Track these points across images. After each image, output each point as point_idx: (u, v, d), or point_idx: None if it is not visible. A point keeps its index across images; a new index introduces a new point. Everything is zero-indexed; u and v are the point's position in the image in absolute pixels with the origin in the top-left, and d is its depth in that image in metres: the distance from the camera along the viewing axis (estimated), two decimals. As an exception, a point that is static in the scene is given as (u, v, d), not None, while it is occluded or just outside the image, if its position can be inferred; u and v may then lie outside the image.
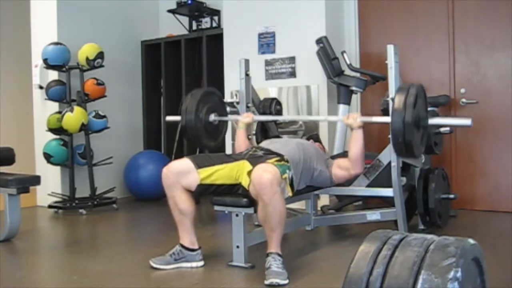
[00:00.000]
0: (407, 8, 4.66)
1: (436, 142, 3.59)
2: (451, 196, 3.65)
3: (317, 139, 3.61)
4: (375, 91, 4.42)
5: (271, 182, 2.48)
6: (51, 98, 4.83)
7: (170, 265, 2.78)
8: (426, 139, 2.86)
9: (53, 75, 4.94)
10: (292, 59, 4.70)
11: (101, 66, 4.86)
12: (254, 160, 2.79)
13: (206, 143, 3.32)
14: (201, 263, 2.83)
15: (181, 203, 2.76)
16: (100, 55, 4.81)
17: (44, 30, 5.10)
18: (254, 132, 3.90)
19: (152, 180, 4.77)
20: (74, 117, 4.57)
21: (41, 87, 5.02)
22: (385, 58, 3.23)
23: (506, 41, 4.23)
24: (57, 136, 4.82)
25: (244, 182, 2.70)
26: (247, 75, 3.67)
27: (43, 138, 4.88)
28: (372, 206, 4.01)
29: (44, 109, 5.01)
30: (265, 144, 3.12)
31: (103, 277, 2.73)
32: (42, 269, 3.13)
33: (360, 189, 3.39)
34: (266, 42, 4.83)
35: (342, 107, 4.17)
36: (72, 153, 4.80)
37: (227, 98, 4.72)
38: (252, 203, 2.67)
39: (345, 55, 4.12)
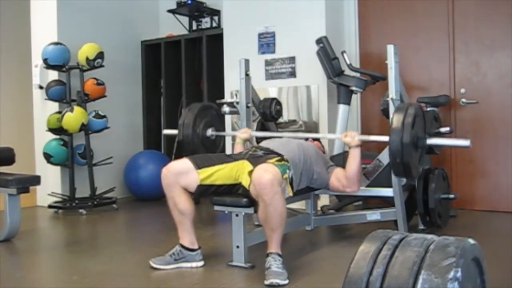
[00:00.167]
0: (407, 8, 4.66)
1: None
2: (451, 196, 3.66)
3: (315, 138, 3.62)
4: (375, 91, 4.42)
5: (271, 183, 2.48)
6: (51, 98, 4.83)
7: (170, 265, 2.78)
8: (424, 159, 2.86)
9: (53, 75, 4.94)
10: (292, 59, 4.70)
11: (101, 66, 4.86)
12: (254, 160, 2.79)
13: None
14: (201, 263, 2.83)
15: (180, 204, 2.76)
16: (100, 55, 4.81)
17: (44, 30, 5.10)
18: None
19: (152, 180, 4.76)
20: (74, 117, 4.57)
21: (41, 87, 5.02)
22: (385, 58, 3.24)
23: (506, 41, 4.23)
24: (57, 136, 4.82)
25: (245, 182, 2.70)
26: (247, 75, 3.67)
27: (43, 138, 4.88)
28: (372, 206, 4.01)
29: (44, 109, 5.02)
30: (265, 143, 3.12)
31: (103, 277, 2.73)
32: (42, 269, 3.13)
33: (360, 189, 3.39)
34: (266, 42, 4.83)
35: (342, 107, 4.17)
36: (72, 153, 4.80)
37: (227, 98, 4.73)
38: (252, 203, 2.67)
39: (345, 55, 4.12)
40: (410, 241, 1.23)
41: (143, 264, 2.82)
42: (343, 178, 3.05)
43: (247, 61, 3.69)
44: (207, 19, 5.60)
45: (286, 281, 2.46)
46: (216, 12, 5.58)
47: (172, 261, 2.79)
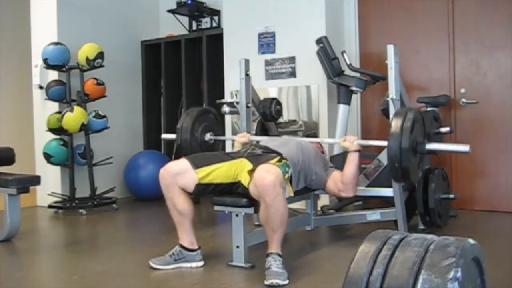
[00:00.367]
0: (407, 8, 4.66)
1: (436, 142, 3.59)
2: (451, 196, 3.66)
3: (314, 137, 3.61)
4: (375, 91, 4.42)
5: (274, 184, 2.47)
6: (51, 98, 4.83)
7: (170, 265, 2.78)
8: (423, 164, 2.85)
9: (53, 75, 4.94)
10: (292, 59, 4.70)
11: (101, 66, 4.86)
12: (254, 158, 2.79)
13: None
14: (201, 263, 2.83)
15: (179, 204, 2.76)
16: (100, 55, 4.81)
17: (44, 30, 5.10)
18: (254, 132, 3.91)
19: (152, 180, 4.72)
20: (74, 117, 4.57)
21: (41, 87, 5.02)
22: (385, 58, 3.24)
23: (506, 41, 4.23)
24: (57, 136, 4.82)
25: (244, 180, 2.69)
26: (247, 75, 3.67)
27: (43, 138, 4.88)
28: (372, 206, 4.01)
29: (44, 109, 5.01)
30: (264, 142, 3.12)
31: (103, 277, 2.73)
32: (42, 269, 3.13)
33: (360, 189, 3.39)
34: (266, 42, 4.83)
35: (342, 107, 4.17)
36: (72, 153, 4.80)
37: (227, 98, 4.73)
38: (252, 203, 2.67)
39: (345, 55, 4.12)
40: (410, 241, 1.23)
41: (143, 264, 2.82)
42: (339, 182, 3.03)
43: (247, 61, 3.69)
44: (207, 19, 5.60)
45: (286, 281, 2.46)
46: (216, 12, 5.58)
47: (172, 261, 2.78)
